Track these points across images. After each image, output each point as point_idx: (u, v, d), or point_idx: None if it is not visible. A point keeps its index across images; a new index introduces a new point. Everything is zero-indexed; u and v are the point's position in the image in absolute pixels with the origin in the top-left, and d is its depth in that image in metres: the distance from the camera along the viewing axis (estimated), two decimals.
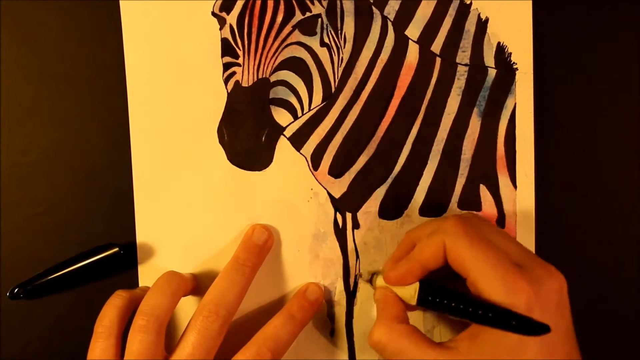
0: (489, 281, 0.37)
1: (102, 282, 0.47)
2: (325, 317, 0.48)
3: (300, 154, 0.47)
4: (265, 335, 0.43)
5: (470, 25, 0.47)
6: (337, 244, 0.47)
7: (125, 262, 0.47)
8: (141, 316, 0.41)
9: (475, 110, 0.47)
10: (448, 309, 0.39)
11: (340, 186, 0.47)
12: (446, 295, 0.39)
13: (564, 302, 0.38)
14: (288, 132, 0.47)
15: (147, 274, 0.47)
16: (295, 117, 0.46)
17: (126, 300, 0.43)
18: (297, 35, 0.46)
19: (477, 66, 0.47)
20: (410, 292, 0.41)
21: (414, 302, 0.41)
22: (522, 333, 0.35)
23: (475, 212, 0.45)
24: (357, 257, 0.47)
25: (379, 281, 0.44)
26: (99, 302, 0.46)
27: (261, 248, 0.45)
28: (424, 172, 0.47)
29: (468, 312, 0.37)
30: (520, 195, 0.47)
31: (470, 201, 0.47)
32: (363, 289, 0.48)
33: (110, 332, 0.42)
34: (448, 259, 0.39)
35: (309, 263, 0.47)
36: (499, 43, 0.47)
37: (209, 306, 0.41)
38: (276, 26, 0.45)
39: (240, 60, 0.46)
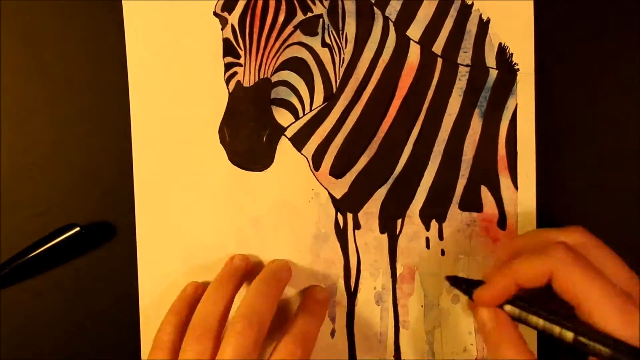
0: (605, 314, 0.35)
1: (103, 282, 0.47)
2: (326, 318, 0.47)
3: (302, 154, 0.47)
4: (294, 331, 0.42)
5: (472, 26, 0.47)
6: (338, 244, 0.47)
7: (87, 241, 0.47)
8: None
9: (477, 111, 0.47)
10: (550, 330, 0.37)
11: (341, 187, 0.47)
12: (548, 312, 0.37)
13: None
14: (289, 133, 0.47)
15: (147, 274, 0.47)
16: (297, 118, 0.46)
17: (185, 318, 0.44)
18: (298, 36, 0.45)
19: (478, 67, 0.47)
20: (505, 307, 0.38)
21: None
22: None
23: (585, 232, 0.40)
24: (358, 257, 0.47)
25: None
26: (99, 302, 0.46)
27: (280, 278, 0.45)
28: (425, 173, 0.47)
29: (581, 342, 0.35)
30: (522, 196, 0.47)
31: (471, 202, 0.47)
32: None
33: (169, 347, 0.43)
34: (556, 287, 0.37)
35: (309, 263, 0.47)
36: (500, 44, 0.47)
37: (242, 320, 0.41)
38: (278, 26, 0.45)
39: (241, 61, 0.45)
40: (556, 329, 0.37)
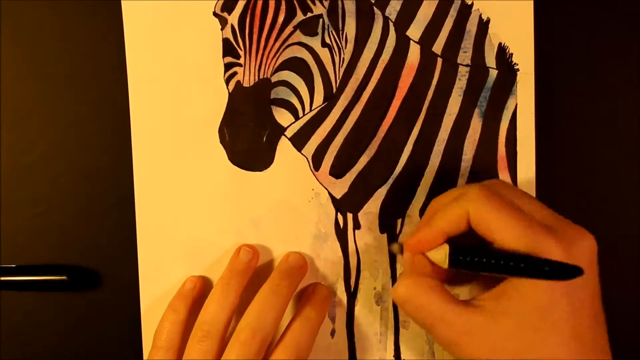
0: (516, 243, 0.36)
1: (104, 283, 0.47)
2: (326, 318, 0.48)
3: (302, 154, 0.47)
4: (287, 341, 0.43)
5: (472, 26, 0.47)
6: (338, 244, 0.47)
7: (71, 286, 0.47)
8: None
9: (477, 111, 0.47)
10: (481, 266, 0.38)
11: (341, 186, 0.47)
12: (478, 253, 0.38)
13: (593, 263, 0.37)
14: (289, 133, 0.47)
15: (147, 274, 0.47)
16: (297, 118, 0.46)
17: (182, 315, 0.45)
18: (298, 36, 0.45)
19: (478, 67, 0.47)
20: (441, 255, 0.39)
21: (445, 264, 0.39)
22: (556, 278, 0.35)
23: (500, 179, 0.44)
24: (358, 257, 0.47)
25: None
26: (99, 302, 0.46)
27: (297, 272, 0.46)
28: (425, 173, 0.47)
29: (500, 265, 0.36)
30: None
31: None
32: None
33: (169, 346, 0.44)
34: (472, 225, 0.38)
35: (309, 263, 0.47)
36: (500, 44, 0.47)
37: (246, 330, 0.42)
38: (277, 26, 0.45)
39: (241, 61, 0.45)
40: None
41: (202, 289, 0.46)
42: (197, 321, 0.43)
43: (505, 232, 0.37)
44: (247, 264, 0.45)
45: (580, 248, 0.37)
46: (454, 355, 0.38)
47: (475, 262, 0.38)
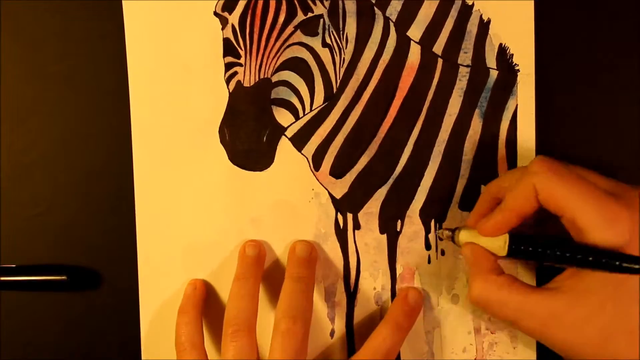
0: (586, 214, 0.36)
1: (104, 283, 0.47)
2: (326, 318, 0.48)
3: (302, 154, 0.47)
4: (374, 348, 0.43)
5: (472, 26, 0.47)
6: (337, 244, 0.47)
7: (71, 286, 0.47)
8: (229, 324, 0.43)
9: (477, 111, 0.47)
10: (542, 256, 0.38)
11: (341, 187, 0.47)
12: (538, 242, 0.38)
13: None
14: (289, 133, 0.47)
15: (147, 274, 0.47)
16: (297, 118, 0.46)
17: (192, 314, 0.45)
18: (299, 36, 0.45)
19: (478, 67, 0.47)
20: (499, 244, 0.40)
21: (504, 253, 0.39)
22: (627, 272, 0.35)
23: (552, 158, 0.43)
24: (358, 258, 0.48)
25: (463, 236, 0.42)
26: (99, 302, 0.46)
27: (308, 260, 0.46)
28: (425, 173, 0.47)
29: (565, 257, 0.37)
30: None
31: (472, 202, 0.47)
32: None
33: (192, 344, 0.44)
34: (540, 199, 0.38)
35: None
36: (500, 44, 0.46)
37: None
38: (278, 26, 0.45)
39: (242, 60, 0.45)
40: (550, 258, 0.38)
41: (203, 289, 0.46)
42: (224, 321, 0.43)
43: (572, 202, 0.36)
44: (256, 256, 0.45)
45: None
46: (547, 344, 0.38)
47: (539, 251, 0.38)
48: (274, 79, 0.45)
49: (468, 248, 0.42)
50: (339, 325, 0.48)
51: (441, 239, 0.47)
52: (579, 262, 0.36)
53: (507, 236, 0.39)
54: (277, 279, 0.46)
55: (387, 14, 0.46)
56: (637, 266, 0.35)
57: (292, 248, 0.46)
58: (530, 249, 0.38)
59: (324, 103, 0.47)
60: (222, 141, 0.46)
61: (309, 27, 0.45)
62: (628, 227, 0.36)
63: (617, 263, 0.35)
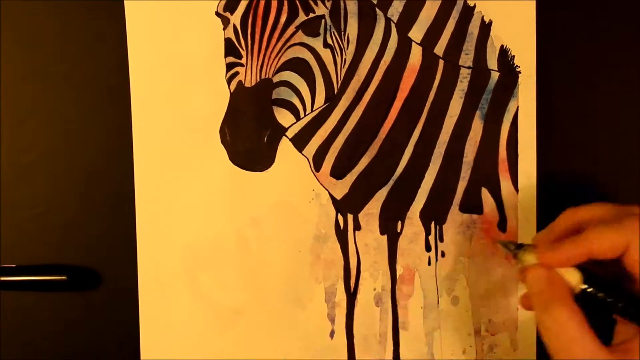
0: None
1: (104, 283, 0.47)
2: (326, 318, 0.48)
3: (302, 154, 0.47)
4: None
5: (474, 28, 0.46)
6: (338, 245, 0.47)
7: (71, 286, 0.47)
8: None
9: (478, 113, 0.47)
10: (614, 307, 0.36)
11: (342, 187, 0.47)
12: (613, 291, 0.36)
13: None
14: (290, 133, 0.47)
15: (146, 274, 0.47)
16: (298, 118, 0.46)
17: None
18: (300, 36, 0.45)
19: (480, 69, 0.47)
20: (574, 278, 0.37)
21: (577, 289, 0.37)
22: None
23: None
24: (358, 258, 0.48)
25: (528, 257, 0.38)
26: (99, 302, 0.46)
27: None
28: (426, 175, 0.47)
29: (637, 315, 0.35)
30: (522, 199, 0.47)
31: (472, 204, 0.47)
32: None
33: None
34: (629, 261, 0.36)
35: (309, 264, 0.47)
36: (502, 46, 0.46)
37: None
38: (280, 27, 0.45)
39: (243, 61, 0.45)
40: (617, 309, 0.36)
41: None
42: None
43: None
44: None
45: None
46: None
47: (611, 302, 0.36)
48: (275, 79, 0.45)
49: (539, 272, 0.37)
50: (339, 326, 0.48)
51: (507, 251, 0.41)
52: None
53: (579, 274, 0.37)
54: (277, 279, 0.46)
55: (389, 15, 0.46)
56: None
57: None
58: (605, 295, 0.36)
59: (325, 104, 0.47)
60: (223, 141, 0.46)
61: (311, 27, 0.45)
62: None
63: None
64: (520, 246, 0.39)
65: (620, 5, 0.47)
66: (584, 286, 0.36)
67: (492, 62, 0.47)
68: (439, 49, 0.47)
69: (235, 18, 0.45)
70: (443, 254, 0.47)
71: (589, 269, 0.37)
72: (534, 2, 0.46)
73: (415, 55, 0.47)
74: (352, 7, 0.46)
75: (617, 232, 0.36)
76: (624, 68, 0.47)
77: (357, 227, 0.47)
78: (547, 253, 0.37)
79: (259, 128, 0.46)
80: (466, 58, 0.47)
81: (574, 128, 0.47)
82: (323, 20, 0.46)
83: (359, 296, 0.48)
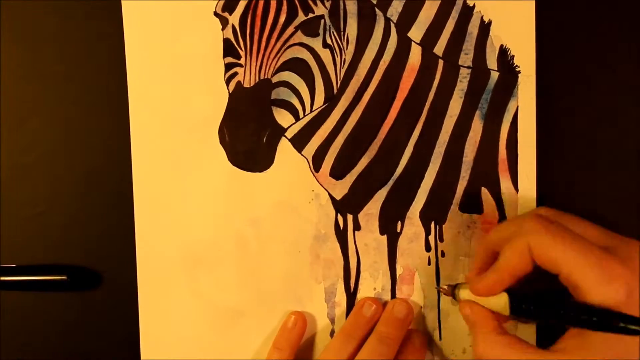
0: (582, 274, 0.36)
1: (104, 283, 0.47)
2: (326, 318, 0.48)
3: (302, 155, 0.47)
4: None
5: (473, 28, 0.46)
6: (337, 245, 0.47)
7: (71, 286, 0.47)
8: None
9: (478, 112, 0.47)
10: (545, 315, 0.38)
11: (341, 188, 0.47)
12: (540, 302, 0.38)
13: None
14: (289, 134, 0.47)
15: (146, 275, 0.47)
16: (297, 119, 0.46)
17: (286, 353, 0.46)
18: (299, 36, 0.45)
19: (479, 69, 0.47)
20: (500, 304, 0.40)
21: (506, 312, 0.39)
22: (625, 333, 0.34)
23: (545, 207, 0.44)
24: (358, 258, 0.47)
25: (463, 294, 0.43)
26: (99, 302, 0.46)
27: (403, 322, 0.46)
28: (426, 175, 0.47)
29: (566, 317, 0.36)
30: (522, 198, 0.47)
31: (472, 204, 0.47)
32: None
33: None
34: (536, 259, 0.38)
35: (309, 264, 0.47)
36: (501, 46, 0.46)
37: None
38: (279, 27, 0.45)
39: (242, 61, 0.45)
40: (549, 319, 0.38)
41: (303, 326, 0.47)
42: None
43: (569, 261, 0.36)
44: (370, 317, 0.45)
45: None
46: None
47: (541, 311, 0.38)
48: (274, 79, 0.45)
49: (467, 307, 0.41)
50: (339, 326, 0.48)
51: (446, 295, 0.45)
52: (579, 322, 0.36)
53: (506, 296, 0.39)
54: (277, 279, 0.46)
55: (388, 15, 0.46)
56: (633, 327, 0.35)
57: (391, 305, 0.46)
58: (532, 308, 0.38)
59: (324, 104, 0.47)
60: (222, 142, 0.46)
61: (310, 27, 0.45)
62: (625, 285, 0.35)
63: (615, 324, 0.35)
64: (455, 286, 0.43)
65: (620, 5, 0.47)
66: (508, 313, 0.39)
67: (492, 62, 0.47)
68: (439, 48, 0.47)
69: (234, 18, 0.45)
70: (443, 254, 0.47)
71: (517, 289, 0.39)
72: (534, 2, 0.46)
73: (415, 55, 0.47)
74: (352, 7, 0.46)
75: (516, 242, 0.38)
76: (624, 68, 0.47)
77: (356, 227, 0.47)
78: (474, 287, 0.40)
79: (258, 128, 0.46)
80: (466, 58, 0.47)
81: (574, 127, 0.47)
82: (322, 20, 0.46)
83: (359, 296, 0.48)
